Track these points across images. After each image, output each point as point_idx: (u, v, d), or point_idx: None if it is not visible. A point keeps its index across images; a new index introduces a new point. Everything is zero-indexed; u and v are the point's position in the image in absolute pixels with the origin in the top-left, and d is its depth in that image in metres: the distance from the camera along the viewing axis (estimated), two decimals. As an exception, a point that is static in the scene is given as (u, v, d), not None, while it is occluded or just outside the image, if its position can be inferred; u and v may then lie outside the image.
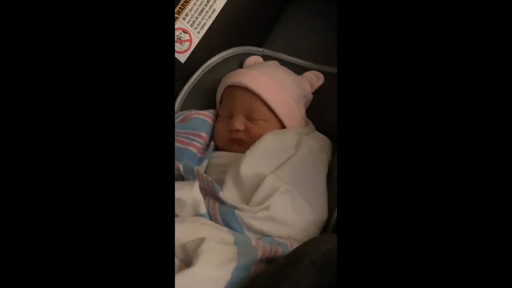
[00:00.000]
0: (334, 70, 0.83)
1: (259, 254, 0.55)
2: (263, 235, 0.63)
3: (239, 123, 0.74)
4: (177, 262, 0.55)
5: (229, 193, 0.66)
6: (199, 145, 0.76)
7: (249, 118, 0.75)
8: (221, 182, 0.67)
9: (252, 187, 0.66)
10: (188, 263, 0.54)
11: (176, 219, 0.62)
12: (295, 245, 0.62)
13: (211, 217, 0.63)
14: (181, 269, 0.53)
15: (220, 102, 0.81)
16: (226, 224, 0.62)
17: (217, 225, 0.62)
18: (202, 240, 0.55)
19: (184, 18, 0.79)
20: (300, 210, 0.65)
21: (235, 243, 0.59)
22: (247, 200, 0.65)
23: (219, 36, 0.82)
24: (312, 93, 0.82)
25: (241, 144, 0.75)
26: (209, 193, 0.65)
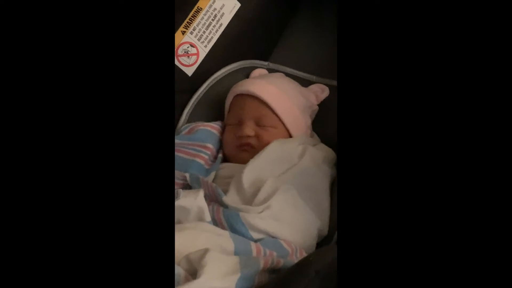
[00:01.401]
0: None
1: (262, 265, 0.56)
2: (267, 235, 0.63)
3: (249, 129, 0.75)
4: (182, 272, 0.55)
5: (233, 198, 0.67)
6: (206, 157, 0.76)
7: (259, 124, 0.75)
8: (226, 192, 0.67)
9: (254, 192, 0.66)
10: (193, 273, 0.54)
11: (177, 226, 0.63)
12: (297, 250, 0.64)
13: (216, 223, 0.64)
14: (187, 279, 0.54)
15: (228, 111, 0.81)
16: (231, 227, 0.62)
17: (218, 231, 0.62)
18: (206, 251, 0.55)
19: (191, 33, 0.81)
20: (300, 209, 0.65)
21: (236, 251, 0.60)
22: (249, 204, 0.66)
23: (225, 50, 0.84)
24: (317, 105, 0.81)
25: (250, 150, 0.75)
26: (213, 199, 0.66)
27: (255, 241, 0.63)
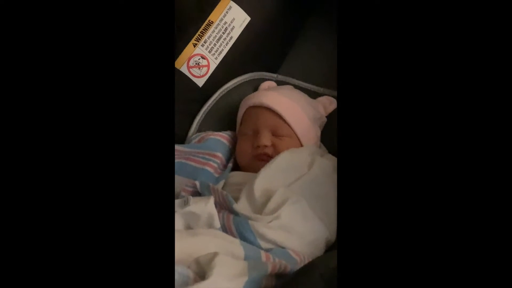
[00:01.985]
0: None
1: (269, 270, 0.56)
2: (275, 245, 0.63)
3: (266, 139, 0.76)
4: (192, 274, 0.55)
5: (243, 205, 0.67)
6: (215, 165, 0.77)
7: (275, 134, 0.77)
8: (236, 199, 0.67)
9: (265, 201, 0.67)
10: (201, 275, 0.55)
11: (189, 232, 0.63)
12: (305, 259, 0.63)
13: (226, 230, 0.64)
14: (196, 281, 0.54)
15: (241, 122, 0.82)
16: (240, 235, 0.63)
17: (229, 238, 0.63)
18: (215, 254, 0.56)
19: (202, 45, 0.82)
20: (309, 220, 0.66)
21: (246, 258, 0.60)
22: (259, 213, 0.66)
23: (235, 62, 0.85)
24: (327, 116, 0.81)
25: (267, 159, 0.75)
26: (224, 207, 0.66)
27: (265, 250, 0.64)
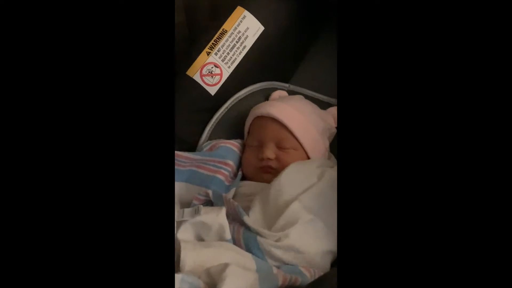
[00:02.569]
0: None
1: (280, 282, 0.56)
2: (283, 263, 0.63)
3: (270, 152, 0.76)
4: (202, 285, 0.56)
5: (254, 218, 0.67)
6: (227, 173, 0.77)
7: (279, 146, 0.76)
8: (247, 210, 0.66)
9: (275, 215, 0.67)
10: (212, 286, 0.55)
11: (202, 243, 0.63)
12: (316, 273, 0.63)
13: (235, 242, 0.64)
14: None
15: (248, 132, 0.82)
16: (248, 249, 0.63)
17: (241, 251, 0.63)
18: (226, 265, 0.56)
19: (216, 54, 0.82)
20: (321, 239, 0.65)
21: (257, 270, 0.60)
22: (270, 226, 0.66)
23: (247, 71, 0.86)
24: (336, 127, 0.81)
25: (271, 172, 0.75)
26: (235, 218, 0.66)
27: (275, 266, 0.64)
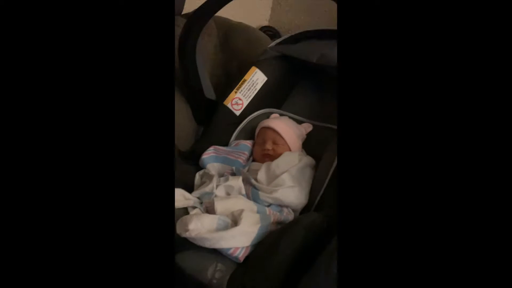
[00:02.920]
0: (319, 123, 0.96)
1: (272, 219, 0.69)
2: (274, 204, 0.74)
3: (269, 145, 0.88)
4: (229, 222, 0.66)
5: (258, 182, 0.78)
6: (244, 158, 0.91)
7: (274, 143, 0.89)
8: (254, 178, 0.79)
9: (272, 180, 0.78)
10: (235, 222, 0.66)
11: (228, 196, 0.75)
12: (292, 215, 0.74)
13: (247, 196, 0.76)
14: (232, 226, 0.64)
15: (257, 136, 0.94)
16: (254, 200, 0.74)
17: (250, 201, 0.74)
18: (242, 210, 0.67)
19: (240, 92, 0.98)
20: (296, 193, 0.75)
21: (258, 212, 0.70)
22: (269, 183, 0.78)
23: (257, 102, 0.99)
24: (306, 135, 0.95)
25: (269, 157, 0.87)
26: (248, 182, 0.79)
27: (268, 206, 0.74)
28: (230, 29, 1.11)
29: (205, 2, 0.76)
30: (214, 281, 0.58)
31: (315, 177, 0.81)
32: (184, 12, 1.11)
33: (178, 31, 0.91)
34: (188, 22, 0.81)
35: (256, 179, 0.79)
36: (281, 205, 0.75)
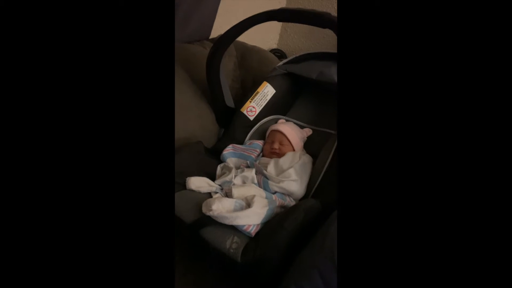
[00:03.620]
0: (317, 128, 0.96)
1: (277, 204, 0.69)
2: (280, 192, 0.75)
3: (276, 145, 0.89)
4: (244, 204, 0.66)
5: (270, 170, 0.79)
6: (256, 154, 0.92)
7: (281, 143, 0.90)
8: (265, 169, 0.80)
9: (279, 172, 0.78)
10: (248, 205, 0.66)
11: (243, 184, 0.76)
12: (292, 200, 0.74)
13: (259, 185, 0.76)
14: (246, 207, 0.65)
15: (267, 137, 0.95)
16: (264, 188, 0.75)
17: (260, 189, 0.74)
18: (254, 195, 0.69)
19: (254, 101, 0.99)
20: (298, 185, 0.75)
21: (266, 197, 0.71)
22: (277, 175, 0.78)
23: (267, 110, 1.00)
24: (306, 137, 0.96)
25: (276, 155, 0.88)
26: (259, 173, 0.79)
27: (274, 193, 0.74)
28: (246, 51, 1.13)
29: (228, 31, 0.78)
30: (231, 250, 0.58)
31: (313, 171, 0.81)
32: (210, 37, 1.14)
33: (205, 52, 0.96)
34: (214, 46, 0.83)
35: (266, 171, 0.79)
36: (285, 194, 0.75)
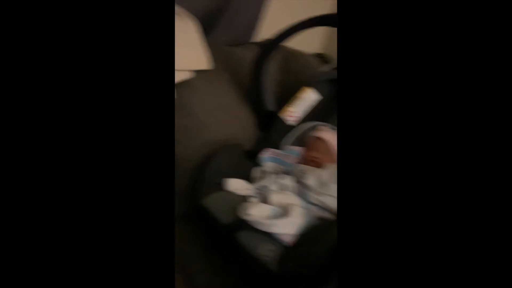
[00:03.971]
0: None
1: (315, 215, 0.68)
2: (318, 205, 0.72)
3: (316, 153, 0.88)
4: (281, 212, 0.65)
5: (309, 180, 0.76)
6: (294, 161, 0.89)
7: (321, 152, 0.88)
8: (302, 177, 0.77)
9: (322, 184, 0.76)
10: (285, 213, 0.65)
11: (281, 191, 0.74)
12: (329, 214, 0.71)
13: (296, 193, 0.74)
14: (282, 215, 0.64)
15: (308, 143, 0.93)
16: (302, 197, 0.73)
17: (297, 197, 0.72)
18: (292, 204, 0.67)
19: (295, 106, 0.98)
20: (334, 203, 0.72)
21: (304, 207, 0.70)
22: (318, 186, 0.75)
23: (307, 115, 0.99)
24: None
25: (315, 163, 0.85)
26: (298, 182, 0.78)
27: (312, 204, 0.72)
28: (290, 55, 1.14)
29: (276, 36, 0.79)
30: (266, 258, 0.58)
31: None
32: (254, 40, 1.14)
33: (248, 55, 0.96)
34: (261, 50, 0.83)
35: (305, 180, 0.77)
36: (323, 207, 0.73)
